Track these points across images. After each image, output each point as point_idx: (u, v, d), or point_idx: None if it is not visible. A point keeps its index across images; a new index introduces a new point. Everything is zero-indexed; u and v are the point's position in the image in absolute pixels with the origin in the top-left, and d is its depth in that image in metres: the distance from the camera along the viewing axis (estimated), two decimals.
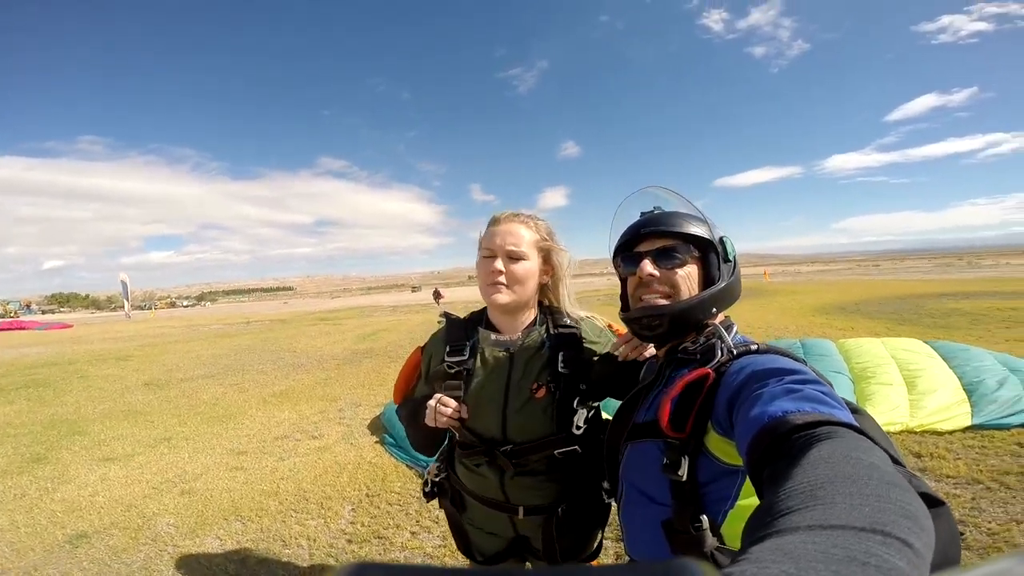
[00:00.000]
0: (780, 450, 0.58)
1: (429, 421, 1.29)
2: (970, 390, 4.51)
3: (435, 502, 1.57)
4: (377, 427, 5.43)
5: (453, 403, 1.27)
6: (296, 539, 3.13)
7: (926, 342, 5.91)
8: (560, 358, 1.29)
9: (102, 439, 5.62)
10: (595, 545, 1.45)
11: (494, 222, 1.32)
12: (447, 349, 1.36)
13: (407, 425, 1.46)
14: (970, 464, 3.46)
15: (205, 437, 5.53)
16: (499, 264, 1.26)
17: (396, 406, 1.55)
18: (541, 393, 1.27)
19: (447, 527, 3.06)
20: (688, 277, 1.04)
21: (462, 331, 1.40)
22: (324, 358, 11.04)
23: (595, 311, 1.47)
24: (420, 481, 3.88)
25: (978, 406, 4.25)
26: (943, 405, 4.32)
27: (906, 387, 4.66)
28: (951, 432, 4.03)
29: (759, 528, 0.40)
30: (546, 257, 1.34)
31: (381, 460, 4.44)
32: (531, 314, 1.37)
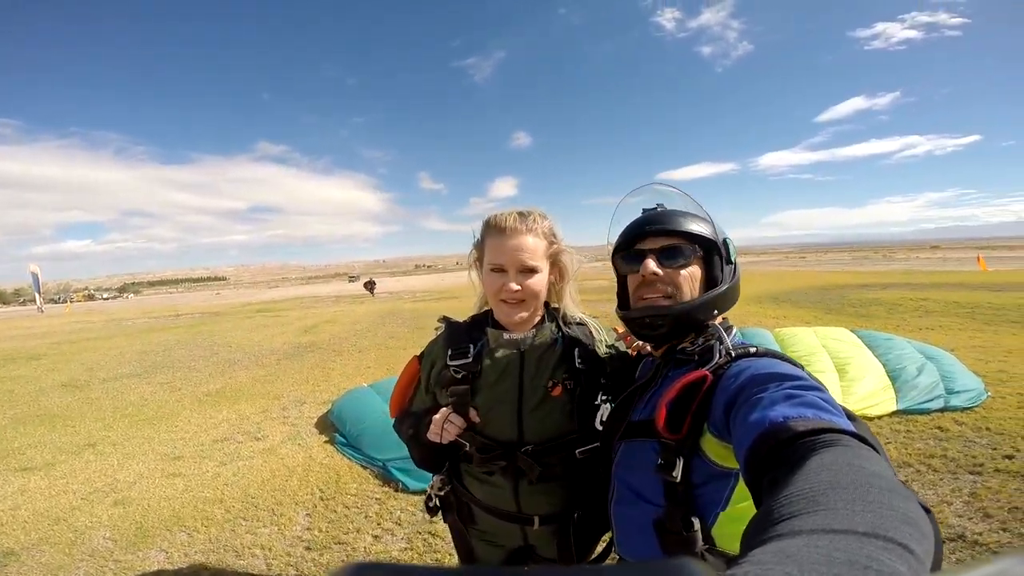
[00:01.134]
0: (781, 456, 0.58)
1: (433, 437, 1.23)
2: (893, 377, 4.88)
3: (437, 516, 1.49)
4: (326, 425, 5.23)
5: (460, 419, 1.22)
6: (249, 549, 2.98)
7: (852, 331, 6.35)
8: (576, 354, 1.26)
9: (16, 447, 5.13)
10: (603, 548, 1.43)
11: (499, 231, 1.23)
12: (449, 353, 1.30)
13: (408, 442, 1.39)
14: (899, 448, 3.74)
15: (135, 441, 5.15)
16: (514, 285, 1.21)
17: (393, 421, 1.47)
18: (557, 391, 1.23)
19: (411, 529, 3.03)
20: (691, 278, 1.03)
21: (464, 334, 1.33)
22: (263, 353, 10.54)
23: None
24: (377, 481, 3.79)
25: (901, 392, 4.61)
26: (870, 391, 4.65)
27: (838, 374, 4.99)
28: (879, 417, 4.35)
29: (760, 532, 0.40)
30: (554, 260, 1.30)
31: (333, 461, 4.28)
32: (539, 312, 1.32)
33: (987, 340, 7.43)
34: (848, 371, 5.00)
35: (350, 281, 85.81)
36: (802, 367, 0.86)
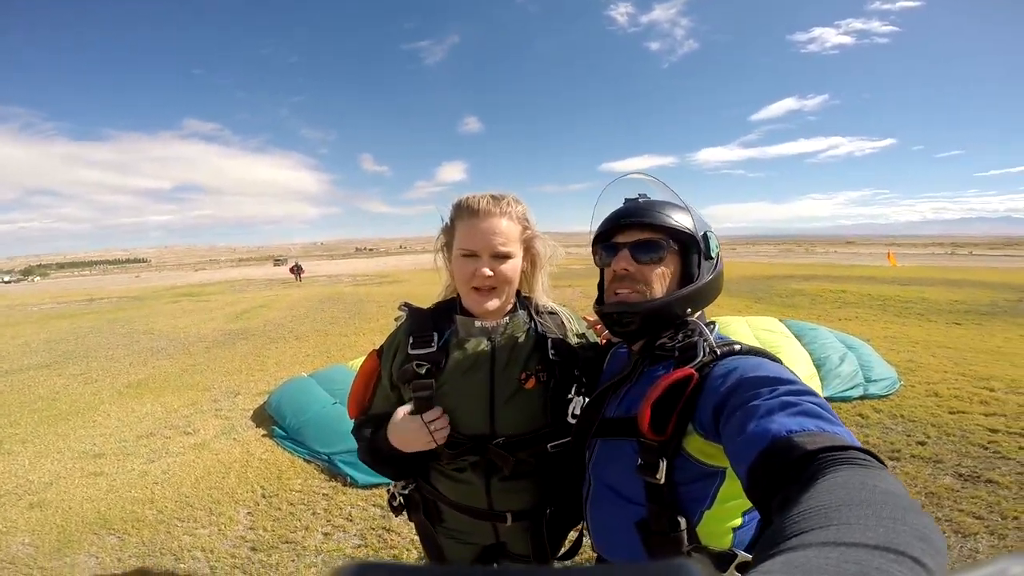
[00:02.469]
0: (790, 476, 0.57)
1: (418, 444, 1.16)
2: (819, 365, 5.20)
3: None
4: (263, 418, 4.98)
5: (446, 420, 1.17)
6: (189, 551, 2.80)
7: (781, 320, 6.73)
8: (550, 345, 1.23)
9: None
10: (573, 540, 1.42)
11: (472, 214, 1.17)
12: (410, 341, 1.23)
13: (368, 449, 1.29)
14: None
15: (47, 439, 4.72)
16: (487, 270, 1.15)
17: (353, 424, 1.36)
18: (531, 384, 1.19)
19: (364, 525, 2.94)
20: (663, 274, 1.01)
21: (429, 321, 1.26)
22: (189, 340, 9.93)
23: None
24: (323, 476, 3.66)
25: (826, 380, 4.93)
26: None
27: None
28: None
29: (771, 546, 0.40)
30: (528, 246, 1.25)
31: (273, 455, 4.09)
32: (510, 300, 1.27)
33: (897, 331, 8.09)
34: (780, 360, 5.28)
35: (275, 264, 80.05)
36: (780, 362, 0.87)
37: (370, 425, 1.30)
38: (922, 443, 3.74)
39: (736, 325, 6.46)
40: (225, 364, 7.66)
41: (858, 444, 0.59)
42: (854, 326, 8.45)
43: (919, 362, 5.95)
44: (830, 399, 4.66)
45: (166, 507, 3.31)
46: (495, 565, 1.45)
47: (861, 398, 4.71)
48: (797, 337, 5.94)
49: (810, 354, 5.45)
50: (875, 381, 4.95)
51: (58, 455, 4.30)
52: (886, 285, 14.76)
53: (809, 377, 4.98)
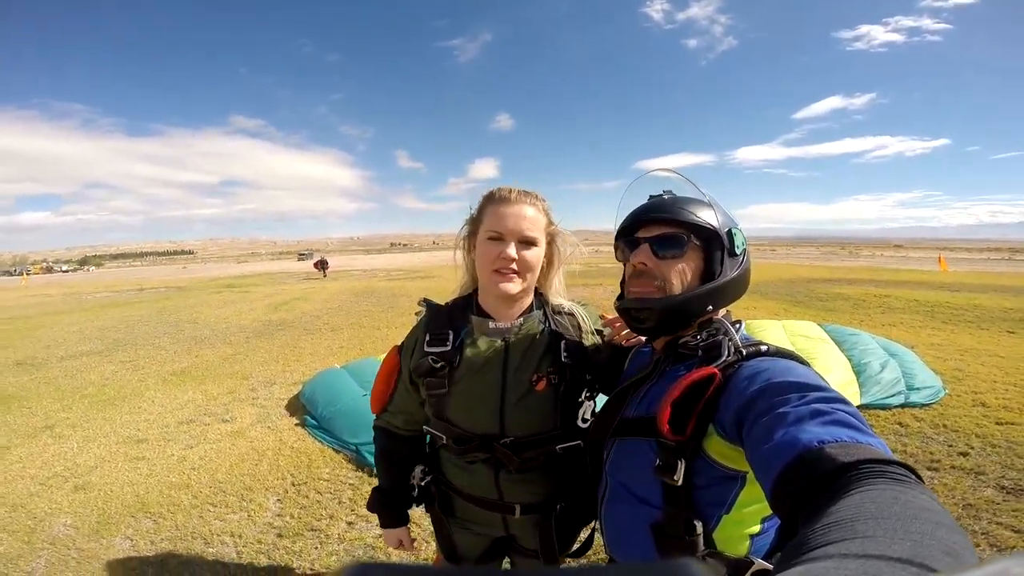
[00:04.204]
0: (820, 488, 0.55)
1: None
2: (858, 371, 5.02)
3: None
4: (296, 407, 5.13)
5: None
6: (219, 536, 2.91)
7: (820, 325, 6.51)
8: (562, 347, 1.23)
9: None
10: (585, 537, 1.42)
11: (502, 201, 1.20)
12: (427, 338, 1.26)
13: (381, 458, 1.43)
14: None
15: (96, 423, 4.96)
16: (512, 251, 1.17)
17: (374, 418, 1.42)
18: (542, 385, 1.20)
19: None
20: (683, 270, 0.98)
21: (445, 319, 1.29)
22: (231, 330, 10.28)
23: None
24: (351, 466, 3.74)
25: (865, 387, 4.75)
26: (836, 385, 4.71)
27: None
28: None
29: (792, 557, 0.39)
30: (550, 240, 1.26)
31: (304, 444, 4.20)
32: (528, 300, 1.29)
33: (944, 339, 7.70)
34: (815, 364, 5.10)
35: (300, 259, 79.06)
36: (809, 365, 0.84)
37: (381, 440, 1.43)
38: (964, 454, 3.57)
39: (772, 329, 6.30)
40: (263, 354, 7.90)
41: (893, 457, 0.56)
42: (898, 332, 8.12)
43: (967, 371, 5.66)
44: (869, 406, 4.51)
45: (201, 492, 3.45)
46: (505, 559, 1.46)
47: (902, 406, 4.51)
48: (837, 342, 5.75)
49: (849, 359, 5.27)
50: (917, 389, 4.74)
51: (104, 439, 4.52)
52: (935, 291, 14.09)
53: (847, 383, 4.82)
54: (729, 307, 1.05)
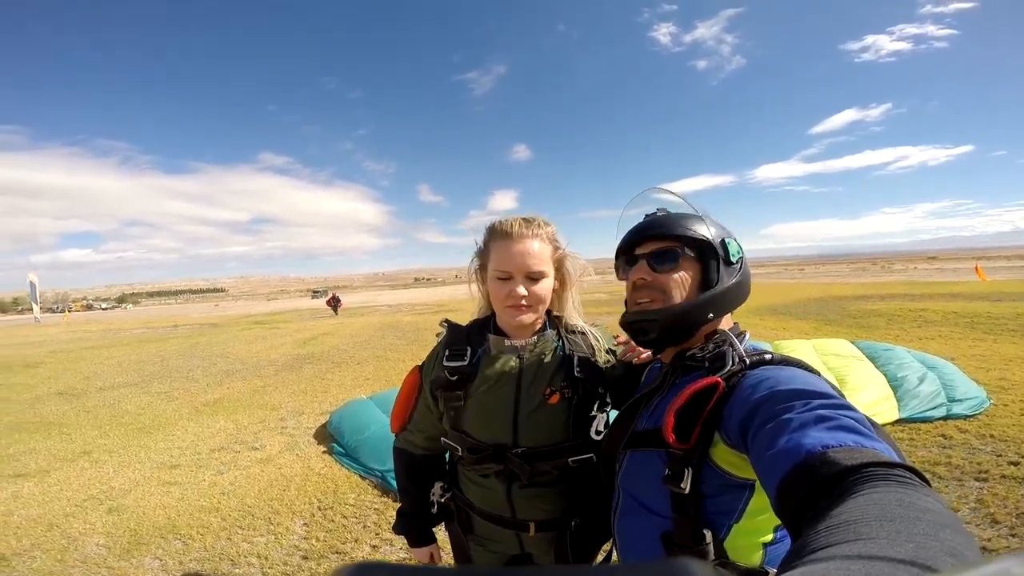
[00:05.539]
0: (824, 491, 0.54)
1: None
2: (895, 386, 4.85)
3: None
4: (323, 436, 5.19)
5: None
6: (245, 557, 2.93)
7: (852, 342, 6.32)
8: (576, 362, 1.25)
9: (11, 453, 5.09)
10: (602, 559, 1.41)
11: (505, 236, 1.22)
12: (447, 353, 1.29)
13: (401, 478, 1.46)
14: (903, 457, 3.69)
15: (131, 450, 5.10)
16: (522, 289, 1.20)
17: (394, 438, 1.46)
18: (554, 399, 1.22)
19: None
20: (682, 281, 1.00)
21: (464, 337, 1.32)
22: (261, 364, 10.50)
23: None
24: (376, 492, 3.75)
25: (903, 401, 4.59)
26: (872, 401, 4.62)
27: (838, 384, 4.95)
28: (883, 426, 4.31)
29: (793, 559, 0.39)
30: (558, 266, 1.29)
31: (331, 471, 4.24)
32: (541, 318, 1.30)
33: (987, 349, 7.41)
34: (847, 381, 4.97)
35: (313, 297, 78.51)
36: (819, 374, 0.83)
37: (403, 459, 1.45)
38: (1015, 463, 3.40)
39: (801, 349, 6.14)
40: (292, 386, 8.03)
41: (899, 460, 0.55)
42: (936, 345, 7.83)
43: (1013, 380, 5.41)
44: (909, 420, 4.35)
45: (230, 515, 3.49)
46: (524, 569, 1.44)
47: (944, 418, 4.33)
48: (871, 359, 5.57)
49: (884, 375, 5.10)
50: (960, 400, 4.55)
51: (139, 464, 4.64)
52: (975, 302, 13.59)
53: (883, 399, 4.66)
54: (756, 326, 1.05)
